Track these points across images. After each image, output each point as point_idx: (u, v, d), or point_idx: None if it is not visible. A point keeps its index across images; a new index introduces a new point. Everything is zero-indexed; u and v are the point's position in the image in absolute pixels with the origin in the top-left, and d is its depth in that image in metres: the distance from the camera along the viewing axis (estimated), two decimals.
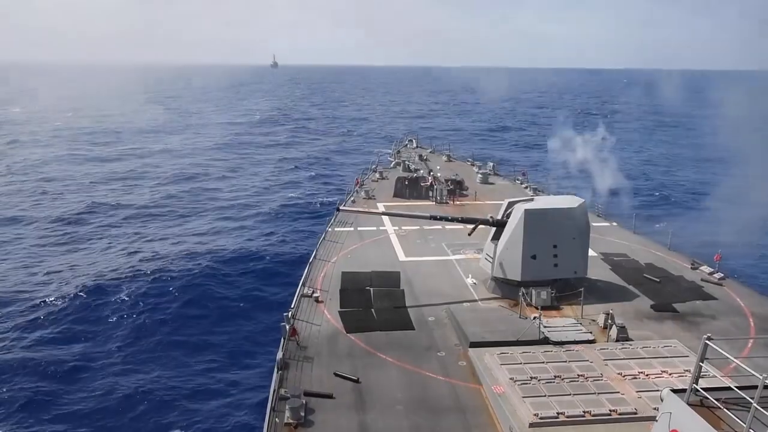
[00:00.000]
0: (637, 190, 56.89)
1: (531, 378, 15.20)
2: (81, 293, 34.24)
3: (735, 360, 9.24)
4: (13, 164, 75.67)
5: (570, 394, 14.42)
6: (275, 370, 16.29)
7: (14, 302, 33.35)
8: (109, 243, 44.67)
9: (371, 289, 21.79)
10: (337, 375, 15.70)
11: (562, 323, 19.12)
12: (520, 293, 20.67)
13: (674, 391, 9.63)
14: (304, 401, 14.52)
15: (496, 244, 22.03)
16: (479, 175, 43.14)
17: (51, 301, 33.32)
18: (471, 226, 22.87)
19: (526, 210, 21.39)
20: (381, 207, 34.93)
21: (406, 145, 59.28)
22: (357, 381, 15.82)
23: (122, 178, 69.41)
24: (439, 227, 30.16)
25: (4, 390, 24.61)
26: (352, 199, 37.17)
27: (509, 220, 21.95)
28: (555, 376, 15.30)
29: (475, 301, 21.79)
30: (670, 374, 15.51)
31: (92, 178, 68.46)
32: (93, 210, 54.08)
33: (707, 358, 9.47)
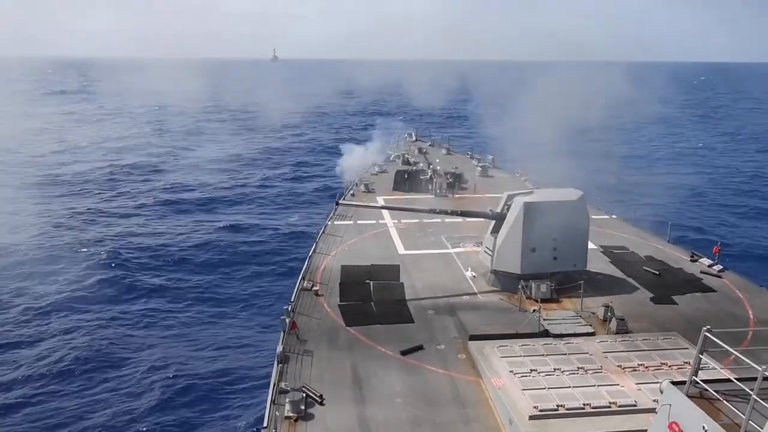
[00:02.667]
0: None
1: (531, 370, 15.21)
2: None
3: (734, 352, 9.24)
4: None
5: (570, 387, 14.44)
6: (275, 363, 16.31)
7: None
8: (102, 236, 44.68)
9: (371, 282, 21.77)
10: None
11: (562, 316, 19.14)
12: (520, 286, 20.67)
13: (674, 383, 9.63)
14: (303, 395, 14.55)
15: (496, 237, 21.99)
16: (479, 168, 43.06)
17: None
18: (471, 219, 22.72)
19: (525, 203, 21.34)
20: (380, 200, 34.88)
21: (406, 138, 59.16)
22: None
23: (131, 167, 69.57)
24: (439, 220, 30.13)
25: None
26: (351, 192, 37.11)
27: (509, 213, 21.91)
28: (555, 369, 15.31)
29: (475, 294, 21.79)
30: (669, 366, 15.53)
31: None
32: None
33: (706, 350, 9.47)
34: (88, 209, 52.48)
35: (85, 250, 41.17)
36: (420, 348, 17.33)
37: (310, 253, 25.37)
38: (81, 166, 71.53)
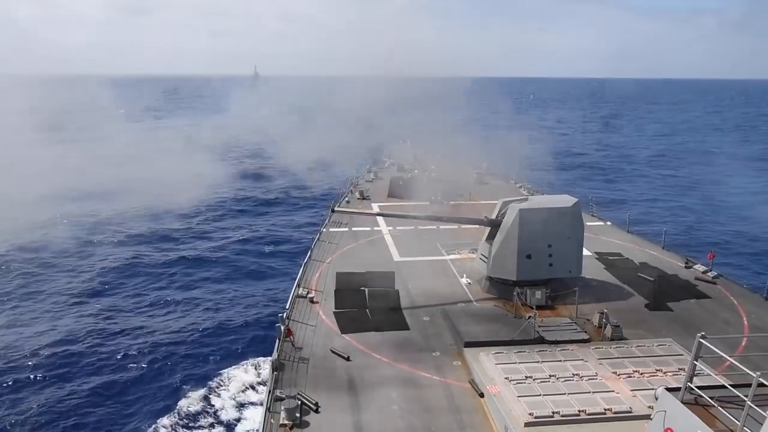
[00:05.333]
0: None
1: (526, 377, 15.20)
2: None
3: (729, 358, 9.26)
4: None
5: (565, 393, 14.43)
6: (271, 370, 16.25)
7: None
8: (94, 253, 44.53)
9: (366, 289, 21.74)
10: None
11: (557, 322, 19.14)
12: (515, 293, 20.67)
13: (669, 389, 9.64)
14: (299, 402, 14.49)
15: (491, 244, 22.02)
16: (474, 175, 43.19)
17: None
18: (466, 226, 22.71)
19: (520, 210, 21.39)
20: (375, 207, 34.90)
21: (401, 145, 59.25)
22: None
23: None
24: (434, 227, 30.16)
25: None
26: (346, 199, 37.13)
27: (504, 219, 21.95)
28: (550, 376, 15.30)
29: (470, 301, 21.78)
30: (664, 373, 15.55)
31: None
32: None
33: (701, 357, 9.49)
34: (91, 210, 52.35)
35: (83, 251, 41.06)
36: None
37: (305, 260, 25.34)
38: None
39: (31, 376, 25.89)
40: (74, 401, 24.27)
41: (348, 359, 17.05)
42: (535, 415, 13.54)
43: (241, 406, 24.03)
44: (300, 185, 67.00)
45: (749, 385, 8.46)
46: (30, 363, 26.87)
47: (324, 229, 30.15)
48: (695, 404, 9.15)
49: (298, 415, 14.13)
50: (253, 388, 25.04)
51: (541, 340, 17.66)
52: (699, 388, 9.28)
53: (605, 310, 19.36)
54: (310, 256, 25.85)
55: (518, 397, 14.27)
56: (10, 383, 25.30)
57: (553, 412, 13.65)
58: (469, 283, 23.23)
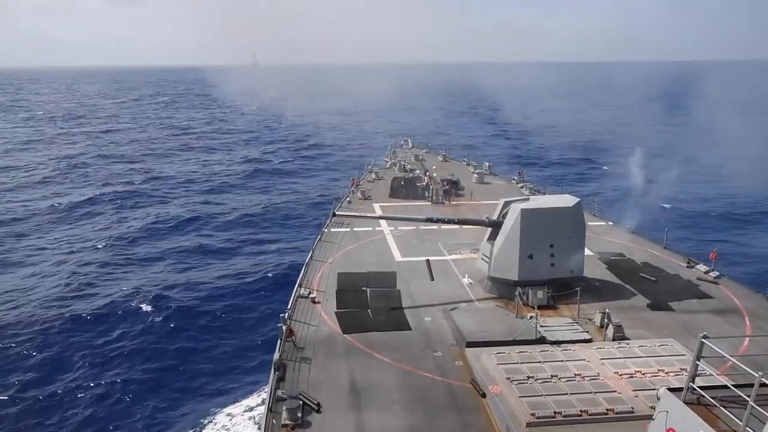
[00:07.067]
0: None
1: (528, 377, 15.19)
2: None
3: (731, 358, 9.25)
4: None
5: (567, 394, 14.42)
6: (272, 371, 16.26)
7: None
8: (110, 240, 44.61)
9: (367, 289, 21.75)
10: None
11: (559, 323, 19.14)
12: (517, 293, 20.67)
13: (671, 389, 9.63)
14: (301, 402, 14.50)
15: (493, 244, 22.02)
16: (475, 175, 43.15)
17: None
18: (467, 226, 22.69)
19: (522, 210, 21.39)
20: (377, 207, 34.95)
21: (402, 145, 59.25)
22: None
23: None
24: (435, 227, 30.14)
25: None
26: (348, 199, 37.11)
27: (505, 219, 21.95)
28: (552, 376, 15.29)
29: (472, 301, 21.78)
30: (666, 373, 15.53)
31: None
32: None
33: (703, 357, 9.48)
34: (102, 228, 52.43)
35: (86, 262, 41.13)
36: None
37: (306, 260, 25.35)
38: None
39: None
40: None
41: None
42: (537, 415, 13.53)
43: (242, 406, 24.04)
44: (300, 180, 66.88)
45: (751, 386, 8.45)
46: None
47: (325, 230, 30.16)
48: (697, 404, 9.14)
49: (299, 415, 14.14)
50: (254, 388, 25.04)
51: (542, 340, 17.64)
52: (701, 388, 9.27)
53: (607, 310, 19.34)
54: (311, 256, 25.86)
55: (520, 397, 14.26)
56: None
57: (554, 413, 13.64)
58: (471, 283, 23.23)
